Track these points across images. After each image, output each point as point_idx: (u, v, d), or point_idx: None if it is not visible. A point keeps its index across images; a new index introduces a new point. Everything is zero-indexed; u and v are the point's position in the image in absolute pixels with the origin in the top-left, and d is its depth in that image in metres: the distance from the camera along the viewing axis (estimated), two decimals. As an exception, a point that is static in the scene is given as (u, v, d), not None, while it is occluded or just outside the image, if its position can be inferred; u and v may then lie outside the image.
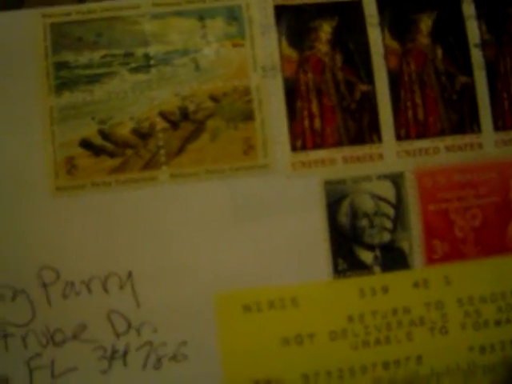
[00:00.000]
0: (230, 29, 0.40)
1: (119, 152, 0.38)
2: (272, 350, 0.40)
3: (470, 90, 0.41)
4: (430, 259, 0.41)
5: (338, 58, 0.40)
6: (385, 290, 0.40)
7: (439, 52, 0.41)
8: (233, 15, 0.40)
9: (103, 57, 0.39)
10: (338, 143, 0.40)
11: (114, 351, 0.38)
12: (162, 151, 0.39)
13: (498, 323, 0.41)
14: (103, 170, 0.38)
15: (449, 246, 0.41)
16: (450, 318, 0.41)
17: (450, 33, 0.41)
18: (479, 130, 0.41)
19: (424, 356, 0.41)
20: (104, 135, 0.38)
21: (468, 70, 0.41)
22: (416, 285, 0.41)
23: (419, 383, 0.41)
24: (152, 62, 0.39)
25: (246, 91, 0.39)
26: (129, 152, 0.39)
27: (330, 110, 0.40)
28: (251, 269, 0.39)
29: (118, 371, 0.39)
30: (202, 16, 0.39)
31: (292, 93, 0.40)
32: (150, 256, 0.39)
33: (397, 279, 0.40)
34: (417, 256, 0.41)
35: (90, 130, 0.38)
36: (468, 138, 0.41)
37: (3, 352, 0.38)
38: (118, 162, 0.38)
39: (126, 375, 0.39)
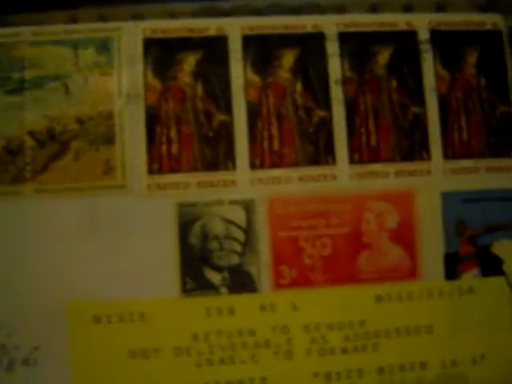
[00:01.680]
0: (100, 58, 0.43)
1: (-8, 165, 0.42)
2: (119, 361, 0.42)
3: (327, 123, 0.43)
4: (278, 284, 0.42)
5: (199, 89, 0.43)
6: (231, 311, 0.42)
7: (299, 86, 0.43)
8: (104, 46, 0.43)
9: (-18, 79, 0.42)
10: (193, 168, 0.42)
11: (-29, 351, 0.41)
12: (29, 168, 0.42)
13: (344, 351, 0.42)
14: (-26, 182, 0.42)
15: (297, 272, 0.42)
16: (295, 342, 0.42)
17: (312, 69, 0.43)
18: (334, 162, 0.43)
19: (268, 378, 0.42)
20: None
21: (327, 105, 0.43)
22: (263, 308, 0.42)
23: (262, 404, 0.42)
24: (26, 85, 0.42)
25: (110, 116, 0.42)
26: (1, 166, 0.42)
27: (187, 137, 0.42)
28: (104, 282, 0.42)
29: (-25, 370, 0.41)
30: (76, 45, 0.43)
31: (153, 119, 0.42)
32: (8, 264, 0.41)
33: (244, 301, 0.42)
34: (264, 280, 0.42)
35: (-34, 146, 0.42)
36: (322, 170, 0.43)
37: None
38: (-12, 176, 0.42)
39: (-18, 375, 0.41)
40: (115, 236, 0.42)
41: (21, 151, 0.42)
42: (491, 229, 0.44)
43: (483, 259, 0.44)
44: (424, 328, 0.43)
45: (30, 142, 0.42)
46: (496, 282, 0.44)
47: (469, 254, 0.43)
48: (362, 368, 0.42)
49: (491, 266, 0.44)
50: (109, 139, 0.42)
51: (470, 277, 0.43)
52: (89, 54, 0.43)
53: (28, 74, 0.43)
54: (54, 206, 0.42)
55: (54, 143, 0.42)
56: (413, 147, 0.43)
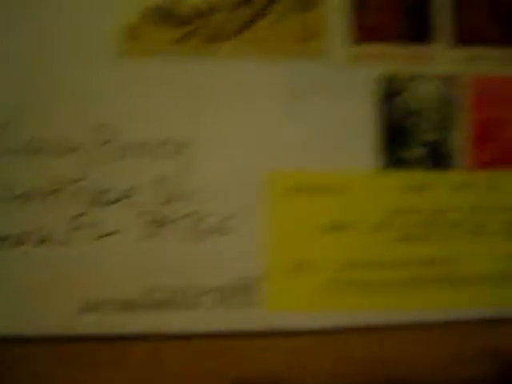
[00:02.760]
0: None
1: (188, 21, 0.39)
2: (316, 233, 0.40)
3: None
4: (478, 163, 0.41)
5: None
6: (429, 187, 0.41)
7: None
8: None
9: None
10: (399, 40, 0.41)
11: (163, 217, 0.39)
12: (228, 26, 0.40)
13: (539, 236, 0.42)
14: (170, 38, 0.39)
15: (498, 152, 0.42)
16: (490, 224, 0.41)
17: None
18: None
19: (461, 259, 0.41)
20: (176, 3, 0.39)
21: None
22: (460, 187, 0.41)
23: (455, 284, 0.41)
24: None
25: (314, -19, 0.41)
26: (197, 23, 0.40)
27: (394, 7, 0.41)
28: (303, 153, 0.40)
29: (162, 238, 0.39)
30: None
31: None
32: (207, 127, 0.39)
33: (442, 179, 0.41)
34: (464, 158, 0.41)
35: (161, -2, 0.39)
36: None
37: (49, 207, 0.39)
38: (185, 32, 0.39)
39: (169, 243, 0.39)
40: (315, 104, 0.40)
41: (221, 9, 0.40)
42: None
43: None
44: None
45: (226, 3, 0.40)
46: None
47: None
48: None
49: None
50: (313, 4, 0.40)
51: None
52: None
53: None
54: (251, 69, 0.40)
55: (256, 3, 0.40)
56: None
